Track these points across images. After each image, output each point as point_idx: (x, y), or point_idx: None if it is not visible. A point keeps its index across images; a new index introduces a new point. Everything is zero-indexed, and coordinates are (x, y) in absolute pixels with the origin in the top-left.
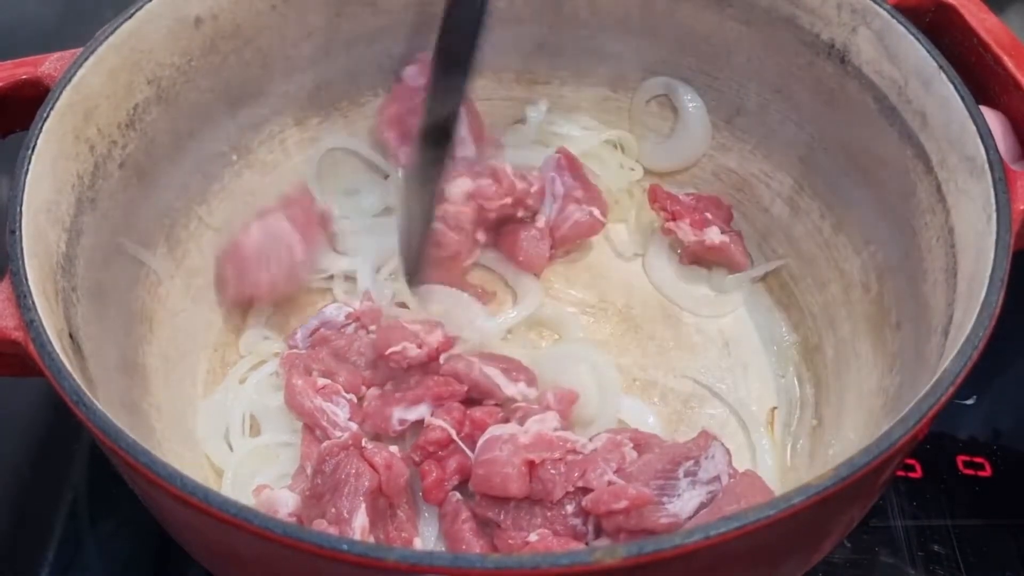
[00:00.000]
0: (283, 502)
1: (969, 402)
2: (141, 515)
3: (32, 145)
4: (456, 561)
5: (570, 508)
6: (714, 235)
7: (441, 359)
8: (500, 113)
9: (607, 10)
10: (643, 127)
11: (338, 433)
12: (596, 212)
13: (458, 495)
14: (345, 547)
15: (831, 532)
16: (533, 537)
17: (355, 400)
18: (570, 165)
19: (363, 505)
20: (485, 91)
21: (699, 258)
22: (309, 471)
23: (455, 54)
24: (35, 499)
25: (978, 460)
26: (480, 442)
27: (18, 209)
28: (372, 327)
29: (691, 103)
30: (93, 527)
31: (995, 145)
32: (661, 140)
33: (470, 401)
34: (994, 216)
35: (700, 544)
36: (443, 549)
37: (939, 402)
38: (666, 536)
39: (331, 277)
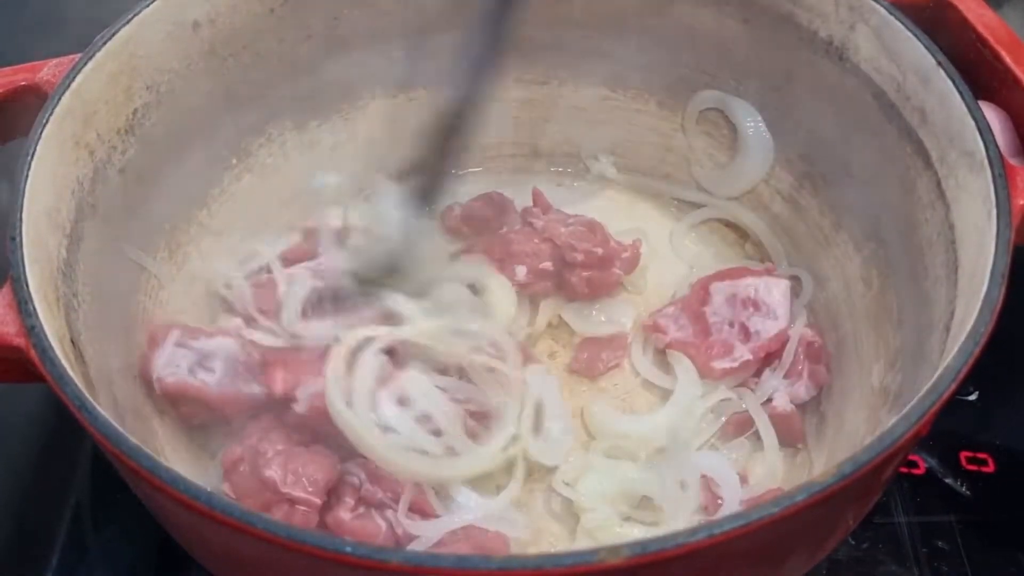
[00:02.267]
0: None
1: (972, 398)
2: (144, 519)
3: (32, 151)
4: (460, 562)
5: None
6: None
7: None
8: (498, 114)
9: (604, 10)
10: (697, 150)
11: None
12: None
13: None
14: (348, 549)
15: (835, 529)
16: None
17: None
18: None
19: None
20: None
21: None
22: None
23: None
24: (38, 505)
25: (981, 456)
26: None
27: (18, 215)
28: None
29: (749, 122)
30: (96, 532)
31: (994, 140)
32: (721, 161)
33: None
34: (994, 211)
35: (703, 543)
36: None
37: (942, 398)
38: (669, 535)
39: None
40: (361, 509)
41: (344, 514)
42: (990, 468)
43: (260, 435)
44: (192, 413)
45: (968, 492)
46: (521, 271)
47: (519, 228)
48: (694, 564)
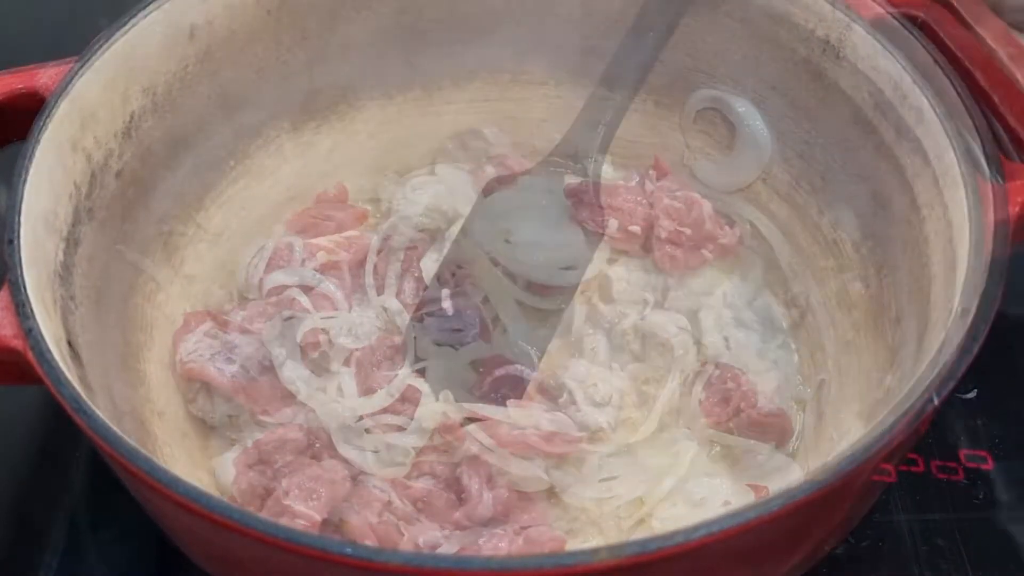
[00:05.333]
0: None
1: (970, 395)
2: (142, 522)
3: (29, 155)
4: (460, 563)
5: None
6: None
7: None
8: (496, 114)
9: (601, 10)
10: (694, 149)
11: None
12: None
13: None
14: (349, 551)
15: (835, 527)
16: None
17: None
18: None
19: None
20: (480, 93)
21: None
22: None
23: None
24: (36, 507)
25: (980, 454)
26: None
27: (16, 219)
28: None
29: (747, 118)
30: (94, 534)
31: (991, 138)
32: (717, 159)
33: None
34: (992, 209)
35: (703, 541)
36: None
37: (940, 396)
38: (669, 534)
39: None
40: (387, 516)
41: (372, 518)
42: (989, 466)
43: (275, 444)
44: (209, 409)
45: (968, 490)
46: (613, 224)
47: (635, 184)
48: (694, 563)
